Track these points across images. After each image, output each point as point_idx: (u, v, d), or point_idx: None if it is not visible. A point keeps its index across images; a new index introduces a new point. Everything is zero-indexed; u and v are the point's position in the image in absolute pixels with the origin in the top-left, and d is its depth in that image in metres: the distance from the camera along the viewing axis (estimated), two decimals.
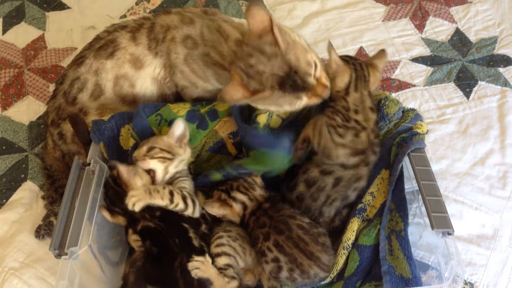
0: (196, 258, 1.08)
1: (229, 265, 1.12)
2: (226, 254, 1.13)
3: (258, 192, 1.25)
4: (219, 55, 1.26)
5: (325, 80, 1.18)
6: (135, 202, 1.09)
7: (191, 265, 1.07)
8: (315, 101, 1.18)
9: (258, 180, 1.26)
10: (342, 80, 1.21)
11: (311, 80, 1.15)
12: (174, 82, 1.39)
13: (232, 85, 1.14)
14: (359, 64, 1.23)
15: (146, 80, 1.38)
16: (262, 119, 1.27)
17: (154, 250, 1.10)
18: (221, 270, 1.11)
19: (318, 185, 1.20)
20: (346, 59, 1.24)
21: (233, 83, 1.14)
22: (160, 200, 1.11)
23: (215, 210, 1.20)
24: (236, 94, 1.14)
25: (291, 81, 1.12)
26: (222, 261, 1.12)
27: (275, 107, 1.19)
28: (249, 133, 1.24)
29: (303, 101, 1.16)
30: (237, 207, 1.22)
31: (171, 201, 1.12)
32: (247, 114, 1.33)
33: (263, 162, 1.23)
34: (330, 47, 1.22)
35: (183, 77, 1.37)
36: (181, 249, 1.10)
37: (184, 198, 1.14)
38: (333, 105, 1.22)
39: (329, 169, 1.20)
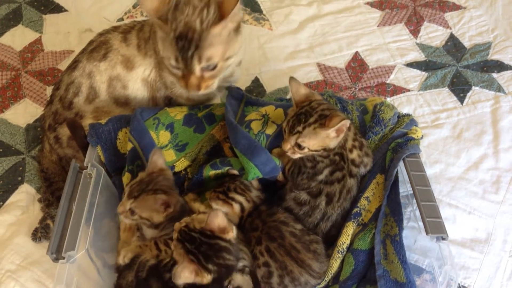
0: None
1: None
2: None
3: (255, 193, 1.26)
4: None
5: (206, 83, 1.22)
6: (125, 255, 1.16)
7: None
8: (181, 86, 1.23)
9: (255, 182, 1.27)
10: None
11: (196, 66, 1.18)
12: (163, 82, 1.39)
13: None
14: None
15: (137, 81, 1.39)
16: (256, 126, 1.29)
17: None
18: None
19: (311, 204, 1.21)
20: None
21: None
22: (149, 252, 1.16)
23: (219, 207, 1.20)
24: (149, 1, 1.16)
25: (186, 43, 1.15)
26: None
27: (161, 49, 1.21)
28: (238, 131, 1.24)
29: (177, 71, 1.20)
30: (236, 208, 1.22)
31: (158, 249, 1.16)
32: (239, 118, 1.35)
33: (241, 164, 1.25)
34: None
35: (168, 71, 1.37)
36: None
37: (166, 243, 1.17)
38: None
39: (315, 191, 1.20)
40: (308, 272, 1.13)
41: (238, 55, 1.29)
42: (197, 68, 1.19)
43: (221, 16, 1.15)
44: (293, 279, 1.13)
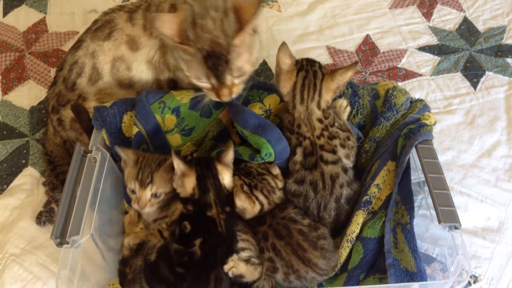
0: (229, 259, 1.08)
1: (250, 256, 1.13)
2: (243, 249, 1.13)
3: (278, 195, 1.22)
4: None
5: (236, 88, 1.21)
6: (131, 239, 1.19)
7: (227, 267, 1.08)
8: (212, 96, 1.22)
9: (280, 184, 1.23)
10: (285, 86, 1.20)
11: (228, 79, 1.17)
12: (166, 64, 1.36)
13: (171, 17, 1.13)
14: (313, 72, 1.21)
15: (142, 63, 1.36)
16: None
17: (198, 253, 1.08)
18: (245, 261, 1.12)
19: (303, 196, 1.19)
20: (301, 62, 1.22)
21: (174, 16, 1.13)
22: (154, 239, 1.16)
23: (241, 202, 1.16)
24: (167, 27, 1.11)
25: (216, 60, 1.12)
26: (241, 256, 1.12)
27: (181, 71, 1.20)
28: (245, 112, 1.21)
29: (206, 84, 1.19)
30: (257, 208, 1.18)
31: (163, 237, 1.16)
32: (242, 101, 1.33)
33: (250, 146, 1.22)
34: (282, 46, 1.20)
35: (172, 55, 1.33)
36: (224, 258, 1.10)
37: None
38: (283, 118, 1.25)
39: (299, 178, 1.20)
40: (314, 270, 1.11)
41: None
42: (229, 81, 1.18)
43: (241, 24, 1.12)
44: (299, 276, 1.12)
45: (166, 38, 1.15)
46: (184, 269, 1.06)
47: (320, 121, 1.21)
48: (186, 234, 1.08)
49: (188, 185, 1.11)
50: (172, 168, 1.15)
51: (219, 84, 1.18)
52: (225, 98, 1.21)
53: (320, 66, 1.24)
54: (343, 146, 1.21)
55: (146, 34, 1.33)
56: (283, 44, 1.21)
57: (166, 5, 1.30)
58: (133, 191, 1.17)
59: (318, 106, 1.21)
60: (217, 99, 1.22)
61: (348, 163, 1.22)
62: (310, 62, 1.24)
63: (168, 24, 1.11)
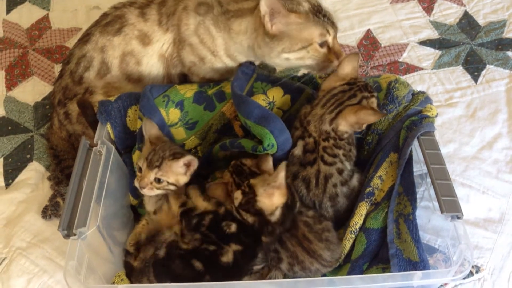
0: None
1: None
2: None
3: None
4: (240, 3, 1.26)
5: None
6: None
7: None
8: (332, 58, 1.23)
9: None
10: (328, 82, 1.25)
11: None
12: (181, 59, 1.37)
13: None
14: (359, 98, 1.22)
15: (153, 57, 1.37)
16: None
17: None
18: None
19: (300, 194, 1.19)
20: (357, 83, 1.24)
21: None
22: (166, 217, 1.18)
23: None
24: (274, 3, 1.14)
25: (321, 9, 1.22)
26: None
27: (300, 44, 1.20)
28: (249, 103, 1.21)
29: (323, 47, 1.21)
30: None
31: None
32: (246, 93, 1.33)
33: (253, 139, 1.22)
34: (356, 55, 1.25)
35: (191, 51, 1.34)
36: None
37: None
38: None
39: (294, 171, 1.19)
40: (319, 262, 1.12)
41: None
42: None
43: None
44: (303, 267, 1.12)
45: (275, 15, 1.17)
46: (203, 265, 1.05)
47: (327, 133, 1.20)
48: (225, 233, 1.08)
49: (276, 200, 1.08)
50: (185, 165, 1.16)
51: (334, 38, 1.23)
52: (341, 56, 1.24)
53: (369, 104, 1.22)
54: (345, 156, 1.21)
55: (161, 29, 1.34)
56: (358, 54, 1.27)
57: (191, 2, 1.31)
58: (140, 169, 1.17)
59: (330, 123, 1.20)
60: (330, 65, 1.24)
61: (346, 166, 1.22)
62: (367, 89, 1.22)
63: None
